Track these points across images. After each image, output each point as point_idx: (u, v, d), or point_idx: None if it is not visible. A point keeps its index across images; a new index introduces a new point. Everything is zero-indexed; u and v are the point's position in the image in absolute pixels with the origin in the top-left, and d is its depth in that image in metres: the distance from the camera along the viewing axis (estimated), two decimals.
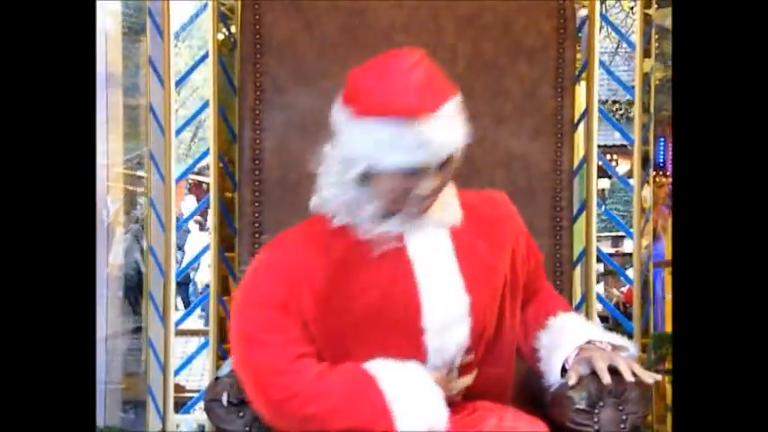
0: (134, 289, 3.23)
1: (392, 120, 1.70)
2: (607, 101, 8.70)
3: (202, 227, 10.00)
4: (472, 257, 1.92)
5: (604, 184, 11.60)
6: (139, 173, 3.18)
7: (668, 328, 3.62)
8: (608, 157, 7.28)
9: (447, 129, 1.74)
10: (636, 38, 2.84)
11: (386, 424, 1.78)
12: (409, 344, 1.87)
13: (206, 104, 2.69)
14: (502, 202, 2.04)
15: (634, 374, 1.86)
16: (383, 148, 1.72)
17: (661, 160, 4.60)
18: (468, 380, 1.94)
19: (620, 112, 9.13)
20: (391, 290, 1.86)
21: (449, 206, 1.91)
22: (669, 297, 3.94)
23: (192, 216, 3.84)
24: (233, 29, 2.78)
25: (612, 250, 8.54)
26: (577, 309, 2.52)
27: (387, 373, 1.82)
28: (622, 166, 8.84)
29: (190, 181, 10.35)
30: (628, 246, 7.64)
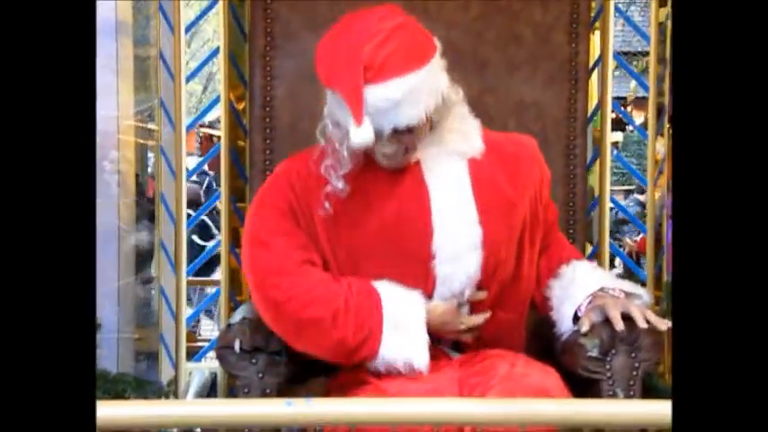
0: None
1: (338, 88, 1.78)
2: (626, 52, 8.58)
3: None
4: (489, 190, 1.93)
5: (617, 137, 11.51)
6: (150, 125, 3.16)
7: None
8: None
9: (387, 116, 1.77)
10: None
11: (372, 345, 1.82)
12: (418, 269, 1.89)
13: (217, 51, 2.66)
14: (529, 144, 2.06)
15: (647, 321, 1.85)
16: (337, 109, 1.80)
17: None
18: (478, 319, 1.94)
19: (634, 63, 9.03)
20: (405, 211, 1.89)
21: (469, 138, 1.94)
22: None
23: (202, 164, 3.82)
24: None
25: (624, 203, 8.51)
26: (590, 258, 2.50)
27: (389, 295, 1.86)
28: (636, 119, 8.75)
29: (201, 134, 10.33)
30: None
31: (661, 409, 1.35)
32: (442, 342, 1.97)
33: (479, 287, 1.93)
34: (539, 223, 2.02)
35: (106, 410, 1.39)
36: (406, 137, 1.83)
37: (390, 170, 1.90)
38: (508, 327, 2.00)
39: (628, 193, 9.16)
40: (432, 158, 1.91)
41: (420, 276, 1.89)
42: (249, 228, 1.97)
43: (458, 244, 1.89)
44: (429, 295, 1.90)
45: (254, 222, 1.96)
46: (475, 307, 1.95)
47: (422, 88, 1.79)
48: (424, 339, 1.85)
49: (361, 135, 1.75)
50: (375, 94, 1.75)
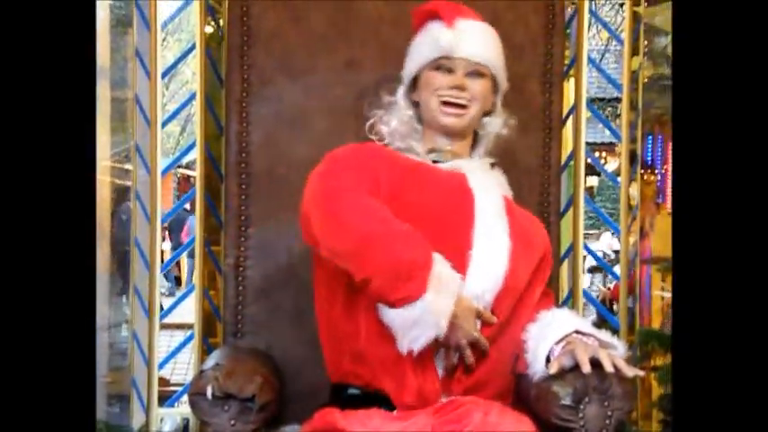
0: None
1: (427, 26, 2.14)
2: (602, 99, 8.69)
3: None
4: (518, 223, 2.09)
5: (593, 181, 11.62)
6: (127, 166, 3.17)
7: (654, 324, 3.62)
8: (596, 154, 7.28)
9: (473, 37, 2.11)
10: (624, 35, 2.84)
11: (420, 284, 1.82)
12: (456, 254, 1.93)
13: (193, 96, 2.68)
14: (539, 220, 2.29)
15: (615, 368, 1.86)
16: (419, 47, 2.14)
17: (649, 158, 4.60)
18: (484, 340, 1.97)
19: (609, 109, 9.13)
20: (452, 201, 2.04)
21: (502, 180, 2.18)
22: (656, 294, 3.95)
23: (178, 208, 3.82)
24: (222, 23, 2.76)
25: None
26: (564, 304, 2.51)
27: (439, 258, 1.88)
28: (611, 164, 8.85)
29: (178, 175, 10.31)
30: (614, 244, 7.65)
31: None
32: (441, 356, 1.97)
33: (492, 308, 1.99)
34: (541, 281, 2.13)
35: None
36: (475, 83, 2.10)
37: (441, 174, 2.09)
38: (503, 366, 2.03)
39: None
40: (476, 176, 2.10)
41: (457, 262, 1.93)
42: (316, 170, 2.02)
43: (493, 242, 2.01)
44: None
45: (321, 167, 2.02)
46: (483, 328, 1.99)
47: (499, 50, 2.16)
48: (451, 308, 1.86)
49: (448, 37, 2.07)
50: (465, 23, 2.11)
